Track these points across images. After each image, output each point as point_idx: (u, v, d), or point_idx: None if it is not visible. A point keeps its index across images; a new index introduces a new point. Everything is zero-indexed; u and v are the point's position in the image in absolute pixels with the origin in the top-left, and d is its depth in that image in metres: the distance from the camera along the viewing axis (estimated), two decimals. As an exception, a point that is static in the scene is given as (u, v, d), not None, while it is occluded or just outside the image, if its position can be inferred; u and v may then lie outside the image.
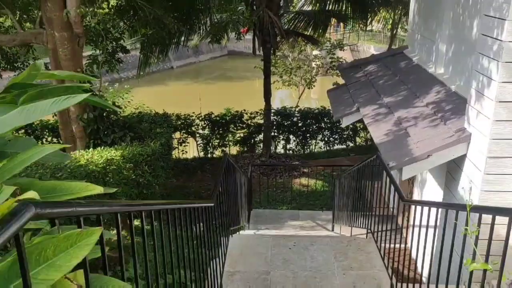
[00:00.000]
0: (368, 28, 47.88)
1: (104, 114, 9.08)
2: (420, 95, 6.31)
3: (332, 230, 8.43)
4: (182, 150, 13.13)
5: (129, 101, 14.27)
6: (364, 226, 6.07)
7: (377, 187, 6.41)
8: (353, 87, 8.22)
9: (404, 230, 6.64)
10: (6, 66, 10.66)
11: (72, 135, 8.82)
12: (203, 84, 37.53)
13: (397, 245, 5.68)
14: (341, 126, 13.91)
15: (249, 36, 13.19)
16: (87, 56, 11.23)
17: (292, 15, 13.31)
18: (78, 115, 8.46)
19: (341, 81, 15.24)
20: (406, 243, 6.02)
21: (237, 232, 6.62)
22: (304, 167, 12.25)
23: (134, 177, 7.69)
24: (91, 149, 7.26)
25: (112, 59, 11.26)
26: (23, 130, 12.16)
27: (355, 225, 6.58)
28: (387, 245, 5.56)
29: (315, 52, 19.58)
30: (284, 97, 28.84)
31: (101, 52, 10.92)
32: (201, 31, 11.90)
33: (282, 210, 9.70)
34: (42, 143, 12.25)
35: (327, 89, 9.21)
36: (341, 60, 16.04)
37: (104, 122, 8.90)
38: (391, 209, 6.83)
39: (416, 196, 7.01)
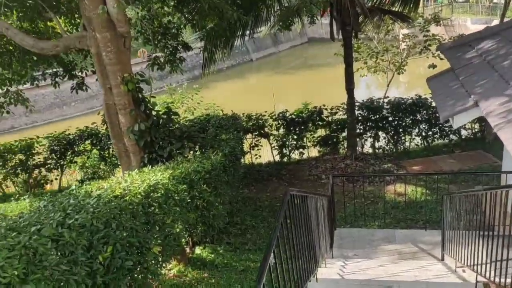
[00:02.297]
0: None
1: (160, 123, 7.95)
2: None
3: (442, 259, 6.53)
4: (255, 155, 11.74)
5: (198, 102, 13.23)
6: None
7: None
8: (464, 72, 6.20)
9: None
10: (64, 74, 9.97)
11: (125, 149, 7.78)
12: (284, 75, 36.19)
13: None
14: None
15: (327, 21, 11.37)
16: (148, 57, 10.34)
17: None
18: (129, 127, 7.38)
19: (437, 62, 12.90)
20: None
21: (314, 277, 5.07)
22: (399, 171, 10.26)
23: (189, 200, 6.42)
24: (135, 171, 6.08)
25: (174, 58, 10.20)
26: (89, 141, 11.56)
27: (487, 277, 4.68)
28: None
29: (404, 31, 17.08)
30: (370, 82, 26.49)
31: (159, 51, 9.93)
32: (270, 18, 10.35)
33: (373, 229, 7.91)
34: (108, 154, 11.54)
35: (427, 77, 7.23)
36: (437, 37, 13.57)
37: (159, 133, 7.75)
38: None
39: None
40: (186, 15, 9.64)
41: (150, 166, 6.69)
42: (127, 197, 5.01)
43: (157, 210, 5.56)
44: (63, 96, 28.81)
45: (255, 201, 9.57)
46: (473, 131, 12.01)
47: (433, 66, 13.36)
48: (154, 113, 7.91)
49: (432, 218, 8.09)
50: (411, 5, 11.68)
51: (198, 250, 7.34)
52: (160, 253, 5.61)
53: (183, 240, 7.19)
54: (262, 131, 11.49)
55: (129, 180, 5.48)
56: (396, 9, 11.74)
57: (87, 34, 7.21)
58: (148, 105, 7.65)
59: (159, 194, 5.56)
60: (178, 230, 6.33)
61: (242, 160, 11.25)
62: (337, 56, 13.90)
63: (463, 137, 11.97)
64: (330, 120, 11.61)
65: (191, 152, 7.94)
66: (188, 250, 7.34)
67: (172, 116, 8.19)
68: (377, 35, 14.73)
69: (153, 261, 5.45)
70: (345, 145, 11.54)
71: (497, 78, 5.44)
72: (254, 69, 39.26)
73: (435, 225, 7.74)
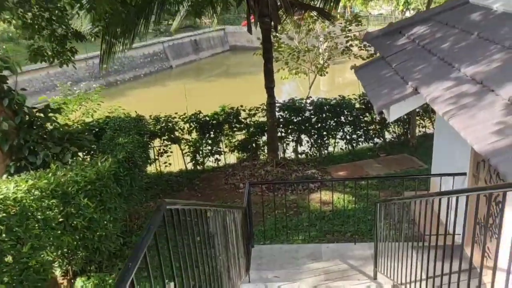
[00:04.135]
0: (378, 12, 45.08)
1: (33, 121, 6.32)
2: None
3: (375, 278, 5.58)
4: (165, 162, 10.29)
5: (99, 104, 11.51)
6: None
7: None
8: (396, 59, 5.33)
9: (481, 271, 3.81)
10: None
11: (-14, 155, 6.05)
12: (205, 82, 34.91)
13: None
14: (365, 119, 11.03)
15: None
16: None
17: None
18: (-13, 126, 5.70)
19: (360, 63, 12.33)
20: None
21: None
22: (323, 177, 9.36)
23: (61, 219, 4.91)
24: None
25: (64, 50, 8.55)
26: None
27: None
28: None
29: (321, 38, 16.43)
30: (290, 91, 26.00)
31: (43, 40, 8.26)
32: (178, 6, 9.04)
33: (297, 244, 6.83)
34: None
35: (355, 68, 6.35)
36: (359, 37, 13.07)
37: (31, 134, 6.12)
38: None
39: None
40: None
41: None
42: None
43: (4, 235, 4.02)
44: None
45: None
46: (397, 134, 11.51)
47: (356, 67, 12.82)
48: (26, 110, 6.29)
49: (361, 228, 7.19)
50: (332, 3, 10.96)
51: (79, 281, 5.76)
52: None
53: (56, 271, 5.62)
54: (172, 135, 10.08)
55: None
56: (317, 5, 10.98)
57: None
58: (16, 99, 6.01)
59: (6, 214, 4.02)
60: (45, 259, 4.80)
61: (149, 168, 9.78)
62: (256, 56, 12.93)
63: (387, 140, 11.42)
64: (248, 122, 10.48)
65: (75, 158, 6.38)
66: (65, 283, 5.75)
67: (51, 114, 6.59)
68: (298, 34, 13.97)
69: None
70: (266, 150, 10.47)
71: (437, 62, 4.59)
72: (174, 76, 37.60)
73: (364, 237, 6.83)
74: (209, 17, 9.92)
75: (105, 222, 5.72)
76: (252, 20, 9.56)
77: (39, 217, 4.51)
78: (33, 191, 4.57)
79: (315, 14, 11.81)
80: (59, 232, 4.98)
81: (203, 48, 45.75)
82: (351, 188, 8.55)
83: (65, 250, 5.29)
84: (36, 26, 7.83)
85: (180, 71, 39.92)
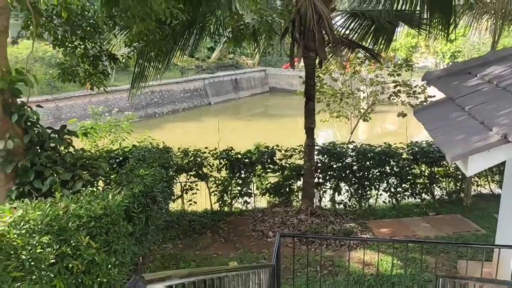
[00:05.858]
0: (423, 63, 44.22)
1: (45, 142, 5.68)
2: None
3: None
4: (189, 200, 9.47)
5: (128, 132, 10.97)
6: None
7: None
8: (471, 101, 4.40)
9: None
10: None
11: (-12, 177, 5.40)
12: (243, 121, 34.64)
13: None
14: (412, 172, 9.93)
15: (290, 72, 9.62)
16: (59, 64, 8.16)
17: (345, 16, 9.68)
18: (-10, 144, 5.08)
19: (407, 110, 11.40)
20: None
21: None
22: (363, 233, 8.26)
23: (53, 260, 4.10)
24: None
25: (95, 72, 8.07)
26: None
27: None
28: None
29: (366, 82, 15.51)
30: (327, 136, 25.08)
31: (75, 59, 7.81)
32: (219, 31, 8.46)
33: (332, 313, 5.75)
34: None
35: (414, 109, 5.44)
36: (408, 83, 12.18)
37: (40, 156, 5.46)
38: None
39: None
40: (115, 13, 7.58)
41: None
42: None
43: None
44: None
45: (178, 260, 7.24)
46: (449, 191, 10.29)
47: (403, 114, 11.91)
48: (39, 129, 5.68)
49: (409, 300, 6.04)
50: (382, 45, 10.16)
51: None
52: None
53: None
54: (200, 172, 9.30)
55: None
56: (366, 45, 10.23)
57: None
58: (27, 116, 5.40)
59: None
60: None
61: (172, 205, 9.02)
62: (298, 96, 12.24)
63: (436, 197, 10.21)
64: (283, 164, 9.60)
65: (89, 187, 5.65)
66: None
67: (67, 136, 5.94)
68: (343, 76, 13.21)
69: None
70: (300, 196, 9.50)
71: (529, 105, 3.64)
72: (212, 113, 37.55)
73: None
74: (251, 54, 9.28)
75: (109, 266, 4.88)
76: (296, 62, 8.95)
77: (25, 256, 3.72)
78: (21, 224, 3.81)
79: (362, 54, 11.05)
80: (52, 275, 4.17)
81: (243, 87, 46.01)
82: (396, 249, 7.43)
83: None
84: (67, 43, 7.42)
85: (218, 108, 40.02)
